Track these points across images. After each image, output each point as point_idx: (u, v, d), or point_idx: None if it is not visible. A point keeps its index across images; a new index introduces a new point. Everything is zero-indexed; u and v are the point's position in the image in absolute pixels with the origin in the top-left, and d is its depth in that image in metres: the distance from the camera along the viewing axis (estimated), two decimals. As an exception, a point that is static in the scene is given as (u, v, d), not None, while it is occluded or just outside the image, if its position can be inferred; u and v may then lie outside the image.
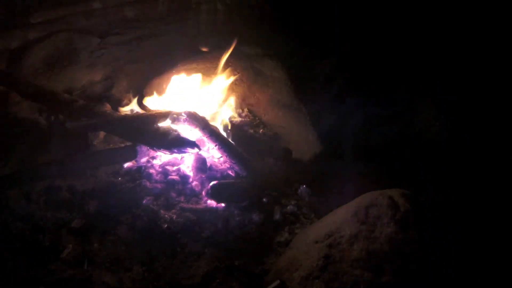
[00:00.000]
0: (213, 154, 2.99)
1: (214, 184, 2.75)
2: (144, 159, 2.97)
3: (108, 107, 3.15)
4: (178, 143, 2.77)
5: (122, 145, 3.10)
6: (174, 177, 2.87)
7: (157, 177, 2.86)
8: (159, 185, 2.79)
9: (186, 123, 2.90)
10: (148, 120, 2.91)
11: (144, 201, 2.69)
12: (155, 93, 3.32)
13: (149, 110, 3.24)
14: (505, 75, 3.14)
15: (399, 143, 3.18)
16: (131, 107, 3.28)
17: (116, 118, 2.98)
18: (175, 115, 2.91)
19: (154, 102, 3.28)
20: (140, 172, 2.91)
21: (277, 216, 2.70)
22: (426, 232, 2.07)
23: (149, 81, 3.73)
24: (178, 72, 3.35)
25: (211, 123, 3.05)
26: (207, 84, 3.32)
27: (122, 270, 2.36)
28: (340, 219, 2.20)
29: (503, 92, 3.13)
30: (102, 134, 3.24)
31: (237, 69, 3.76)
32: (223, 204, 2.71)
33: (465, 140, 3.11)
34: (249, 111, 3.55)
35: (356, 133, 3.16)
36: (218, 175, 2.90)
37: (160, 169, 2.92)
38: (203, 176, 2.86)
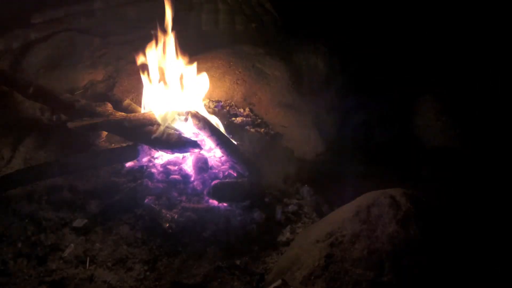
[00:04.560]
0: (214, 153, 3.00)
1: (215, 184, 2.75)
2: (145, 159, 2.98)
3: (109, 107, 3.15)
4: (180, 143, 2.78)
5: (124, 144, 3.10)
6: (175, 176, 2.87)
7: (159, 177, 2.86)
8: (160, 185, 2.80)
9: (187, 122, 2.90)
10: (150, 120, 2.92)
11: (145, 201, 2.69)
12: (156, 92, 3.31)
13: (151, 110, 3.24)
14: (506, 73, 3.14)
15: (400, 142, 3.18)
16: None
17: (118, 118, 2.98)
18: (176, 115, 2.91)
19: (155, 102, 3.27)
20: (142, 172, 2.91)
21: (278, 216, 2.70)
22: (428, 232, 2.07)
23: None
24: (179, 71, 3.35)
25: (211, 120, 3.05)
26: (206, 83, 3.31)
27: (124, 269, 2.37)
28: (342, 218, 2.19)
29: (504, 91, 3.13)
30: (104, 133, 3.24)
31: (239, 69, 3.77)
32: (225, 204, 2.71)
33: (466, 139, 3.10)
34: (251, 110, 3.56)
35: (357, 133, 3.16)
36: (220, 174, 2.90)
37: (161, 169, 2.92)
38: (205, 175, 2.86)
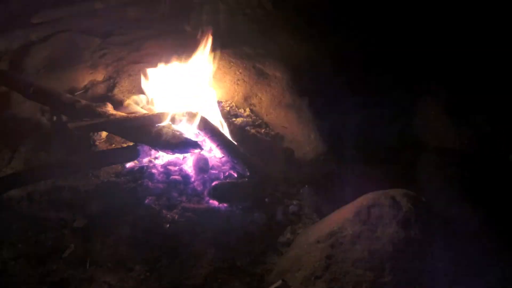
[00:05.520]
0: (215, 154, 2.99)
1: (216, 184, 2.75)
2: (146, 159, 2.98)
3: (110, 107, 3.15)
4: (180, 144, 2.77)
5: (124, 145, 3.10)
6: (176, 177, 2.87)
7: (159, 177, 2.86)
8: (161, 185, 2.80)
9: (187, 123, 2.90)
10: (150, 120, 2.92)
11: (146, 201, 2.69)
12: (156, 93, 3.31)
13: (151, 110, 3.24)
14: (505, 72, 3.14)
15: (400, 142, 3.18)
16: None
17: (118, 118, 2.98)
18: (176, 116, 2.91)
19: (155, 103, 3.28)
20: (142, 172, 2.91)
21: (279, 216, 2.70)
22: (428, 232, 2.07)
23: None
24: (179, 72, 3.35)
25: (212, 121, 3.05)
26: (205, 83, 3.32)
27: (124, 270, 2.37)
28: (342, 219, 2.20)
29: (504, 90, 3.13)
30: (104, 134, 3.24)
31: (239, 69, 3.77)
32: (225, 204, 2.71)
33: (466, 139, 3.10)
34: (251, 111, 3.55)
35: (358, 133, 3.16)
36: (220, 175, 2.90)
37: (162, 169, 2.92)
38: (205, 176, 2.86)
